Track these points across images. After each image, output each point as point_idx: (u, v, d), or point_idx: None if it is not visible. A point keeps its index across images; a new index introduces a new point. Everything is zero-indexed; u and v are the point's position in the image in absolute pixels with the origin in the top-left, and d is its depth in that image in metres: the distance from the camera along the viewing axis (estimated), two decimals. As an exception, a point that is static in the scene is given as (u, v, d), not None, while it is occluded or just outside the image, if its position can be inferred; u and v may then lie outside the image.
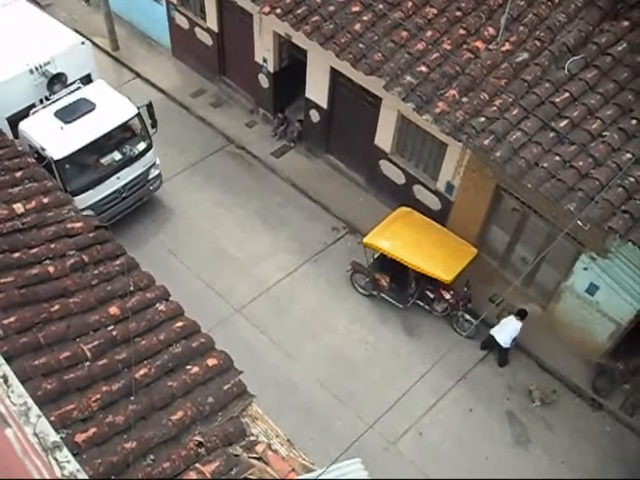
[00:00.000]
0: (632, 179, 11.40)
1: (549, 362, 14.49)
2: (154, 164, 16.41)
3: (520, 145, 12.16)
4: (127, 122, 15.48)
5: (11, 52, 15.09)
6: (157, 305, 8.77)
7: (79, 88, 15.47)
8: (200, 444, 7.26)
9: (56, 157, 14.24)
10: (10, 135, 13.97)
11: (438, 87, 12.97)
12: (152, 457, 7.09)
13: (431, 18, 13.64)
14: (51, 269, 8.52)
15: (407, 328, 14.91)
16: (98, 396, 7.34)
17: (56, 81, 15.27)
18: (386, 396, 13.28)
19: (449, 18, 13.56)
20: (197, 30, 18.99)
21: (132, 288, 8.85)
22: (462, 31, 13.41)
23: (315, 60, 15.71)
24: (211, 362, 8.23)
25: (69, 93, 15.26)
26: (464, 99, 12.81)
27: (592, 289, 13.46)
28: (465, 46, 13.32)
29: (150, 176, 16.43)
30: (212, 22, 18.25)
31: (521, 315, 13.94)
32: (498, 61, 13.01)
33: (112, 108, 15.28)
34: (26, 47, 15.27)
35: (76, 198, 13.73)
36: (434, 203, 15.54)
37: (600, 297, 13.44)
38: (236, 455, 7.35)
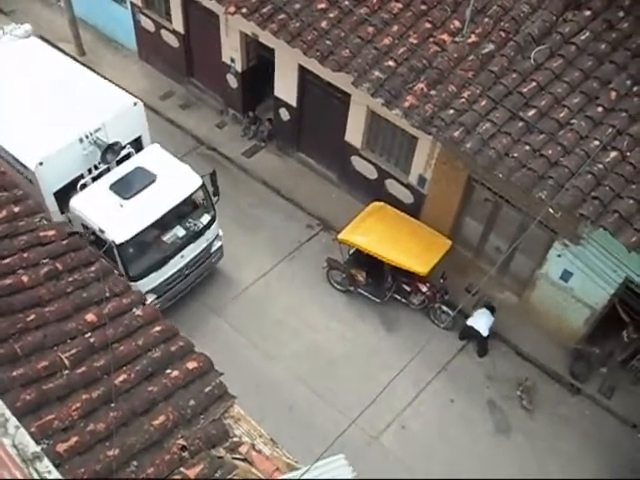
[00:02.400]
0: (601, 166, 11.53)
1: (527, 350, 14.64)
2: (217, 236, 14.87)
3: (490, 136, 12.25)
4: (192, 195, 13.94)
5: (57, 118, 13.49)
6: (134, 310, 8.75)
7: (131, 154, 14.03)
8: (183, 448, 7.25)
9: (119, 241, 12.66)
10: (57, 211, 13.24)
11: (406, 81, 13.01)
12: (135, 463, 7.07)
13: (397, 13, 13.67)
14: (25, 279, 8.46)
15: (385, 322, 14.96)
16: (78, 404, 7.30)
17: (108, 150, 13.53)
18: (367, 391, 13.26)
19: (414, 12, 13.60)
20: (163, 32, 18.89)
21: (108, 294, 8.81)
22: (428, 25, 13.45)
23: (283, 58, 15.70)
24: (191, 365, 8.22)
25: (122, 161, 13.80)
26: (432, 92, 12.86)
27: (566, 275, 13.61)
28: (431, 39, 13.36)
29: (213, 249, 14.88)
30: (178, 24, 18.16)
31: (491, 310, 14.30)
32: (465, 53, 13.08)
33: (174, 179, 13.69)
34: (73, 112, 13.65)
35: (138, 283, 12.94)
36: (407, 197, 15.61)
37: (574, 283, 13.59)
38: (220, 457, 7.36)
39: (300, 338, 14.64)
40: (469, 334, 14.50)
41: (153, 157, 13.98)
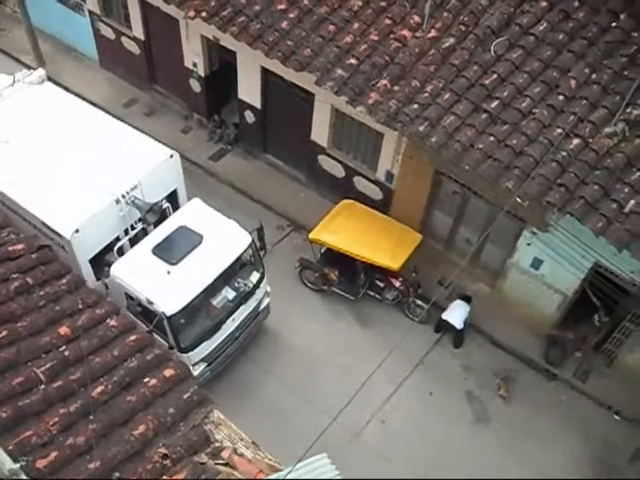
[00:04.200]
0: (564, 153, 11.69)
1: (502, 339, 14.78)
2: (266, 292, 13.91)
3: (454, 129, 12.35)
4: (242, 254, 12.95)
5: (89, 177, 12.48)
6: (108, 321, 8.71)
7: (168, 210, 13.11)
8: (165, 456, 7.24)
9: (170, 312, 11.62)
10: (93, 279, 12.35)
11: (369, 78, 13.07)
12: (118, 474, 7.05)
13: (356, 10, 13.71)
14: (-5, 294, 8.38)
15: (360, 319, 15.01)
16: (56, 419, 7.26)
17: (149, 210, 12.60)
18: (346, 388, 13.26)
19: (374, 9, 13.66)
20: (123, 39, 18.74)
21: (81, 306, 8.77)
22: (388, 21, 13.52)
23: (245, 61, 15.67)
24: (168, 373, 8.21)
25: (159, 217, 12.78)
26: (396, 88, 12.93)
27: (536, 263, 13.77)
28: (392, 36, 13.44)
29: (261, 306, 13.90)
30: (138, 30, 18.04)
31: (467, 300, 14.40)
32: (426, 48, 13.17)
33: (222, 238, 12.68)
34: (106, 169, 12.65)
35: (190, 354, 12.25)
36: (375, 193, 15.67)
37: (545, 270, 13.75)
38: (202, 463, 7.36)
39: (277, 339, 14.63)
40: (444, 327, 14.61)
41: (196, 214, 13.00)
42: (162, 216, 12.92)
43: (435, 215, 15.22)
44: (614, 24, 12.64)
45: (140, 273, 11.99)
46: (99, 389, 7.73)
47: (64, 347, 8.10)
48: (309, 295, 15.37)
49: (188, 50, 17.08)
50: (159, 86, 19.21)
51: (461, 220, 14.83)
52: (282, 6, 13.92)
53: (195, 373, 12.29)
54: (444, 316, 14.37)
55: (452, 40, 13.13)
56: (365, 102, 12.91)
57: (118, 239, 12.63)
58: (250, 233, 13.04)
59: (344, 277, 14.81)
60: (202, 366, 12.67)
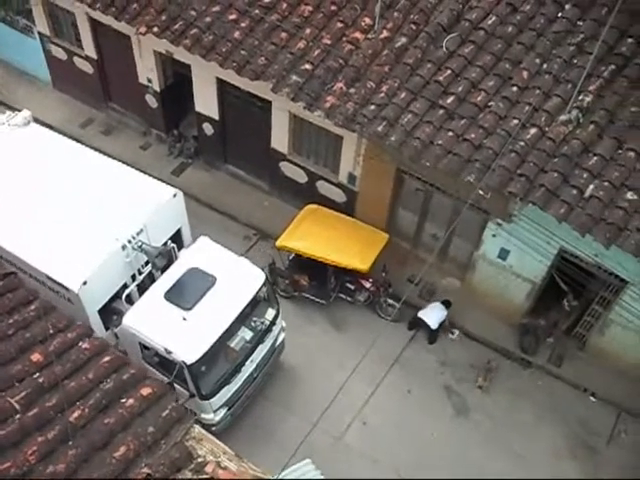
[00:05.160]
0: (522, 143, 11.86)
1: (476, 331, 14.92)
2: (282, 328, 13.51)
3: (412, 127, 12.46)
4: (258, 293, 12.48)
5: (92, 224, 11.92)
6: (80, 344, 8.63)
7: (173, 250, 12.66)
8: (148, 476, 7.18)
9: (190, 361, 11.18)
10: (101, 329, 11.84)
11: (325, 82, 13.12)
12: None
13: (307, 16, 13.77)
14: (-38, 327, 8.26)
15: (334, 323, 15.04)
16: (34, 448, 7.16)
17: (158, 255, 12.17)
18: (325, 393, 13.35)
19: (325, 13, 13.72)
20: (76, 59, 18.57)
21: (51, 331, 8.68)
22: (340, 24, 13.60)
23: (200, 73, 15.63)
24: (145, 391, 8.15)
25: (164, 257, 12.30)
26: (352, 90, 13.01)
27: (503, 254, 13.92)
28: (345, 39, 13.51)
29: (277, 342, 13.47)
30: (90, 50, 17.88)
31: (446, 305, 14.51)
32: (379, 49, 13.27)
33: (235, 277, 12.22)
34: (109, 214, 12.10)
35: (211, 400, 11.86)
36: (339, 196, 15.72)
37: (512, 260, 13.91)
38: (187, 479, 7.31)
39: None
40: (418, 324, 14.69)
41: (206, 254, 12.54)
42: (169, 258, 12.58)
43: (400, 214, 15.31)
44: (560, 14, 12.89)
45: (154, 321, 11.54)
46: (76, 414, 7.65)
47: (38, 374, 8.01)
48: (280, 302, 15.31)
49: (142, 66, 16.99)
50: (115, 104, 19.07)
51: (426, 217, 14.94)
52: (233, 16, 13.93)
53: (217, 419, 12.12)
54: (420, 315, 14.45)
55: (404, 39, 13.24)
56: (322, 106, 12.97)
57: (125, 286, 12.13)
58: (263, 269, 12.81)
59: (314, 282, 14.82)
60: (223, 411, 12.29)
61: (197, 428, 8.19)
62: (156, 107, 17.83)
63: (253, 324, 12.51)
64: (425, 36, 13.15)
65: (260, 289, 12.39)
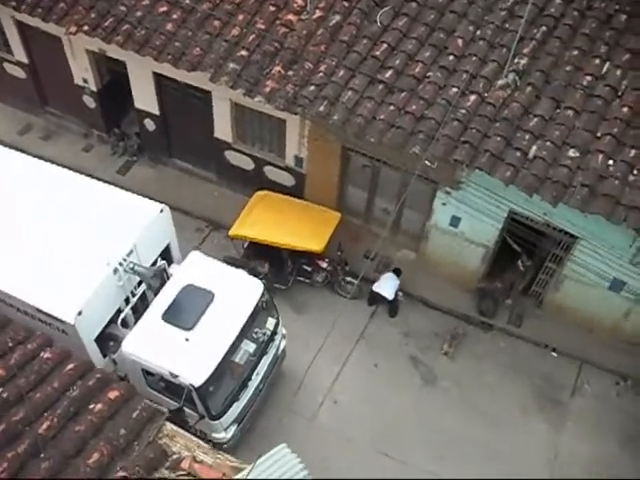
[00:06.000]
0: (463, 111, 12.00)
1: (435, 300, 15.10)
2: (283, 335, 13.15)
3: (354, 104, 12.50)
4: (258, 303, 12.10)
5: (79, 249, 11.38)
6: (42, 354, 8.52)
7: (165, 268, 12.23)
8: (125, 479, 7.16)
9: (198, 383, 10.79)
10: (99, 357, 11.40)
11: (262, 67, 13.05)
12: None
13: (239, 2, 13.64)
14: None
15: (295, 306, 15.06)
16: (5, 464, 7.08)
17: (153, 276, 11.82)
18: (293, 376, 13.48)
19: (256, -2, 13.66)
20: (6, 65, 18.09)
21: (10, 344, 8.55)
22: (272, 8, 13.51)
23: (136, 69, 15.40)
24: (113, 395, 8.10)
25: (159, 277, 11.94)
26: (290, 72, 12.97)
27: (455, 221, 14.09)
28: (278, 22, 13.44)
29: (279, 351, 13.09)
30: (20, 54, 17.44)
31: (397, 273, 14.63)
32: (313, 29, 13.23)
33: (234, 290, 11.90)
34: (95, 237, 11.54)
35: (221, 420, 11.52)
36: (288, 180, 15.72)
37: (464, 227, 14.09)
38: (164, 479, 7.30)
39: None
40: (376, 299, 14.83)
41: (200, 269, 12.17)
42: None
43: (350, 191, 15.38)
44: (488, -20, 13.02)
45: (155, 345, 11.13)
46: (45, 425, 7.57)
47: (1, 389, 7.89)
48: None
49: (76, 67, 16.65)
50: (52, 108, 18.66)
51: (375, 192, 15.04)
52: (164, 8, 13.74)
53: (228, 437, 11.82)
54: (375, 288, 14.58)
55: (338, 17, 13.24)
56: (262, 91, 12.91)
57: (119, 310, 11.70)
58: (260, 279, 12.62)
59: (271, 268, 14.82)
60: (233, 428, 11.96)
61: (169, 425, 8.18)
62: (94, 107, 17.52)
63: (255, 336, 12.13)
64: (358, 12, 13.18)
65: (260, 300, 12.07)
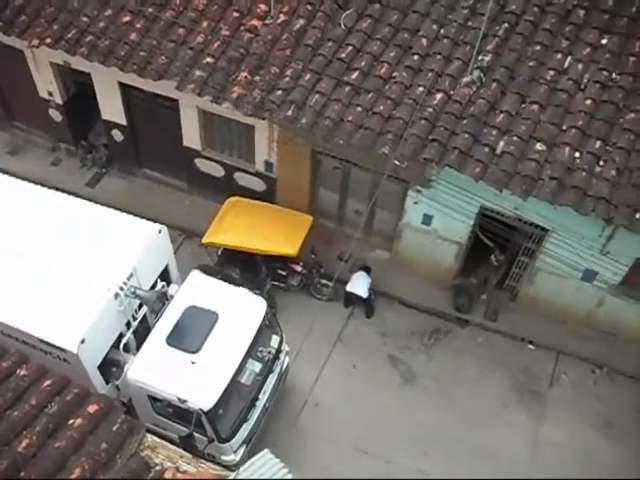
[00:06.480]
0: (430, 109, 12.09)
1: (410, 299, 15.18)
2: (286, 352, 12.91)
3: (321, 106, 12.54)
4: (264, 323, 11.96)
5: (79, 275, 11.06)
6: (18, 371, 8.41)
7: (165, 289, 12.03)
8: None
9: (207, 407, 10.60)
10: (102, 386, 11.13)
11: (229, 73, 13.04)
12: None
13: (202, 9, 13.61)
14: None
15: (272, 311, 15.06)
16: (-15, 486, 6.99)
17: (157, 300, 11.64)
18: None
19: (219, 4, 13.59)
20: (-31, 82, 17.93)
21: (-16, 364, 8.44)
22: (236, 14, 13.50)
23: (101, 80, 15.30)
24: (92, 409, 8.02)
25: (162, 301, 11.77)
26: (256, 78, 12.97)
27: (427, 220, 14.18)
28: (243, 28, 13.43)
29: (283, 367, 12.83)
30: (-19, 70, 17.29)
31: (367, 271, 14.72)
32: (278, 34, 13.25)
33: (237, 310, 11.73)
34: (95, 262, 11.25)
35: (231, 442, 11.31)
36: (259, 185, 15.71)
37: (436, 224, 14.18)
38: (147, 490, 7.27)
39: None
40: (352, 300, 14.87)
41: (201, 289, 12.00)
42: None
43: (321, 194, 15.42)
44: (449, -21, 13.13)
45: (161, 370, 10.92)
46: (24, 443, 7.47)
47: (-23, 409, 7.80)
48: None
49: (40, 80, 16.50)
50: (18, 122, 18.46)
51: (347, 193, 15.08)
52: (127, 18, 13.66)
53: (237, 459, 11.56)
54: (348, 289, 14.63)
55: (302, 21, 13.27)
56: (229, 97, 12.90)
57: (120, 334, 11.42)
58: (262, 296, 12.44)
59: (246, 274, 14.78)
60: (242, 449, 11.73)
61: (149, 437, 8.13)
62: (61, 120, 17.37)
63: (260, 355, 11.92)
64: (322, 15, 13.21)
65: (265, 318, 11.92)
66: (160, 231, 12.04)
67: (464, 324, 14.93)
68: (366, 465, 12.82)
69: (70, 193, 13.50)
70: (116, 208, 12.64)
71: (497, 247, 14.28)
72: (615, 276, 13.22)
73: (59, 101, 16.87)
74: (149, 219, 12.44)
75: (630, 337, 14.20)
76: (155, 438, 8.15)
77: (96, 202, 12.92)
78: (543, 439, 13.30)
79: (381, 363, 14.32)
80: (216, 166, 16.01)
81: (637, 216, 11.17)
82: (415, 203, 13.97)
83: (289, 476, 8.04)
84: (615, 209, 11.20)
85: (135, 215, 12.47)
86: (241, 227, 14.52)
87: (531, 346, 14.60)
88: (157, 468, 7.62)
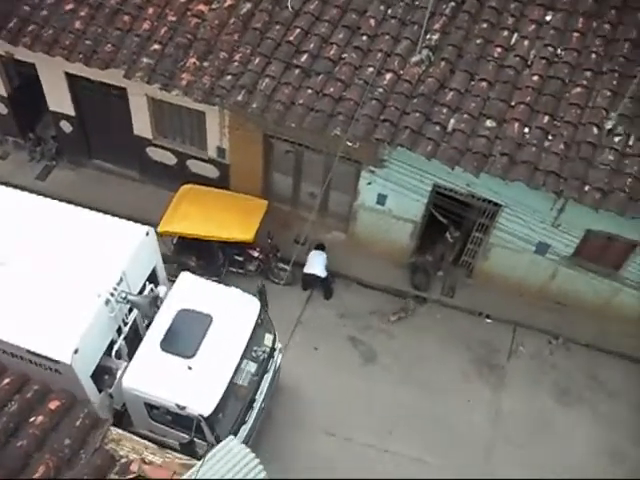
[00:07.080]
0: (381, 89, 12.15)
1: (368, 279, 15.29)
2: (280, 350, 12.73)
3: (272, 90, 12.50)
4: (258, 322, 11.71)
5: (68, 282, 10.57)
6: (-26, 373, 8.29)
7: (154, 291, 11.59)
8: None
9: (207, 412, 10.38)
10: (95, 394, 10.69)
11: (177, 60, 12.91)
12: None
13: (147, -5, 13.46)
14: None
15: (231, 297, 15.02)
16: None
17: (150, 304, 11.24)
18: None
19: (164, -10, 13.46)
20: None
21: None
22: (182, -1, 13.39)
23: (46, 70, 14.98)
24: (53, 405, 7.95)
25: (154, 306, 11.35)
26: (205, 64, 12.86)
27: (381, 199, 14.26)
28: (189, 13, 13.29)
29: (276, 365, 12.61)
30: None
31: (321, 248, 14.79)
32: (225, 18, 13.14)
33: (231, 311, 11.49)
34: (84, 268, 10.77)
35: None
36: (212, 171, 15.62)
37: (391, 204, 14.28)
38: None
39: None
40: (310, 282, 14.93)
41: (193, 291, 11.74)
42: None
43: (275, 178, 15.39)
44: (395, -42, 13.14)
45: (157, 377, 10.65)
46: (-15, 444, 7.39)
47: None
48: (174, 288, 15.19)
49: (-18, 73, 16.15)
50: (-40, 118, 18.05)
51: (300, 176, 15.08)
52: (70, 6, 13.38)
53: None
54: (306, 270, 14.68)
55: (249, 5, 13.19)
56: (179, 84, 12.78)
57: (112, 341, 11.01)
58: (255, 295, 12.11)
59: (203, 261, 14.72)
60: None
61: (113, 430, 8.09)
62: (7, 113, 16.98)
63: (254, 354, 11.69)
64: (268, -2, 13.16)
65: (259, 317, 11.71)
66: (148, 233, 11.67)
67: (422, 301, 15.09)
68: (333, 447, 12.92)
69: (20, 187, 13.25)
70: (68, 201, 12.37)
71: (452, 224, 14.42)
72: (567, 248, 13.49)
73: (3, 93, 16.49)
74: (102, 211, 12.23)
75: (583, 306, 14.53)
76: (119, 431, 8.11)
77: (47, 196, 12.65)
78: (504, 409, 13.59)
79: (342, 344, 14.42)
80: (168, 154, 15.85)
81: (586, 188, 11.41)
82: (369, 184, 14.04)
83: (256, 461, 8.07)
84: (565, 182, 11.44)
85: (87, 208, 12.21)
86: (196, 215, 14.43)
87: (489, 320, 14.85)
88: (122, 460, 7.60)
